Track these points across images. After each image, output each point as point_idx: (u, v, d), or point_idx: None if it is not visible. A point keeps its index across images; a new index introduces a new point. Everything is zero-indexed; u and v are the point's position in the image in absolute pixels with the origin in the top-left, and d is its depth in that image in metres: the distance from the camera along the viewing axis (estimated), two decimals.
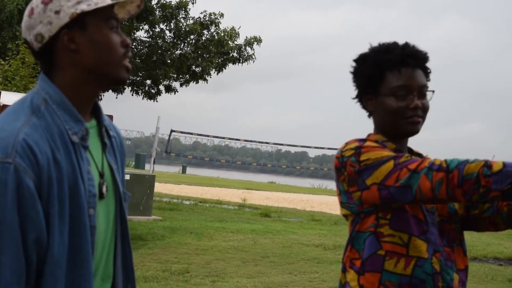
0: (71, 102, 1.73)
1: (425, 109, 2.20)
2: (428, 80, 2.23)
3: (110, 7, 1.75)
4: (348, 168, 2.13)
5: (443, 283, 2.10)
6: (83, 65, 1.73)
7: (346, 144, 2.19)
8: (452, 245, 2.20)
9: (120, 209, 1.86)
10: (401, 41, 2.27)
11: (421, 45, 2.26)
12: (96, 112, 1.85)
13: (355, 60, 2.28)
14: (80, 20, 1.70)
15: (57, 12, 1.69)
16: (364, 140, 2.17)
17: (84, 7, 1.69)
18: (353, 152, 2.13)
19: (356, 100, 2.32)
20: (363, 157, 2.10)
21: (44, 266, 1.61)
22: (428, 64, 2.25)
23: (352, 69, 2.29)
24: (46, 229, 1.60)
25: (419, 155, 2.29)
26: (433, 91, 2.24)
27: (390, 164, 2.04)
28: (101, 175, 1.78)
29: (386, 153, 2.08)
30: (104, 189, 1.77)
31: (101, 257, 1.80)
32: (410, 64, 2.19)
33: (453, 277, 2.13)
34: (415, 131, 2.20)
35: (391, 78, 2.19)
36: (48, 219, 1.61)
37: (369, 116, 2.30)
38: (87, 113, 1.79)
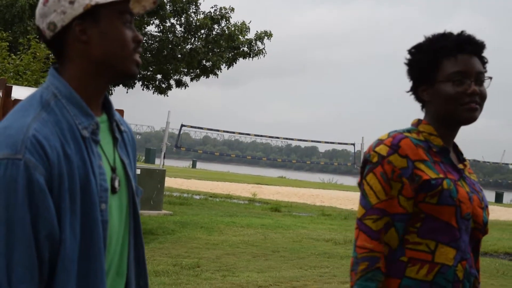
0: (80, 96, 1.72)
1: (482, 96, 2.16)
2: (485, 70, 2.20)
3: (126, 1, 1.74)
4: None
5: None
6: (92, 57, 1.72)
7: (380, 141, 2.17)
8: (476, 253, 2.21)
9: (133, 204, 1.85)
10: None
11: None
12: (106, 107, 1.84)
13: (409, 51, 2.24)
14: (93, 12, 1.70)
15: (71, 2, 1.69)
16: (397, 147, 2.12)
17: None
18: (376, 160, 2.14)
19: (410, 93, 2.28)
20: (368, 178, 2.14)
21: (57, 261, 1.61)
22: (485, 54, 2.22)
23: (406, 60, 2.25)
24: (58, 224, 1.60)
25: (461, 153, 2.28)
26: (491, 78, 2.20)
27: (363, 211, 2.14)
28: (113, 170, 1.77)
29: (378, 195, 2.11)
30: (116, 183, 1.76)
31: (115, 252, 1.79)
32: (467, 50, 2.16)
33: (472, 284, 2.13)
34: (472, 119, 2.16)
35: (447, 65, 2.16)
36: (60, 214, 1.60)
37: (423, 107, 2.26)
38: (97, 107, 1.78)
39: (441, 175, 2.11)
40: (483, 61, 2.21)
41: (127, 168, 1.84)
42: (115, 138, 1.83)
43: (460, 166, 2.20)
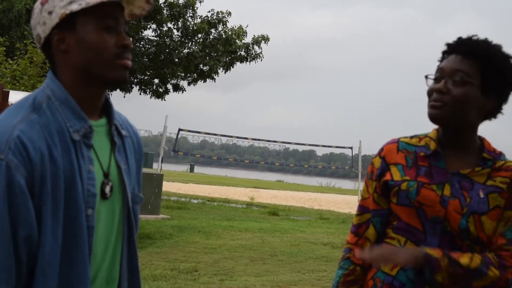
0: (76, 100, 1.71)
1: (452, 95, 2.07)
2: (468, 70, 2.06)
3: (110, 6, 1.70)
4: None
5: None
6: (75, 66, 1.71)
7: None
8: None
9: (128, 211, 1.82)
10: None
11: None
12: (107, 111, 1.82)
13: None
14: (70, 21, 1.68)
15: (50, 13, 1.68)
16: (381, 150, 2.25)
17: (74, 7, 1.65)
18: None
19: None
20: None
21: (36, 265, 1.59)
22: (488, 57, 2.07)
23: None
24: (38, 227, 1.58)
25: (484, 158, 2.14)
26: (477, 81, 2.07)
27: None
28: (106, 175, 1.74)
29: (362, 194, 2.32)
30: (107, 189, 1.74)
31: (104, 259, 1.76)
32: (454, 51, 2.12)
33: None
34: (432, 116, 2.11)
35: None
36: (40, 216, 1.58)
37: None
38: (95, 111, 1.77)
39: (407, 177, 2.14)
40: (484, 64, 2.08)
41: (123, 174, 1.80)
42: (114, 143, 1.80)
43: (464, 171, 2.13)
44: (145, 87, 21.09)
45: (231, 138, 26.12)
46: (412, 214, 2.11)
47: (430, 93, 2.12)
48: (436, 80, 2.12)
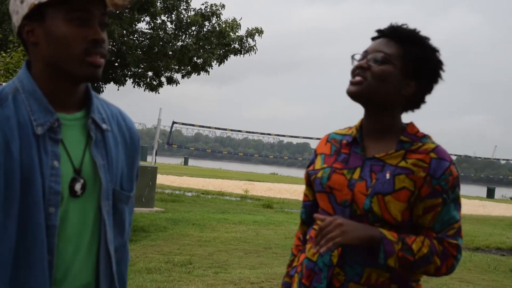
0: (46, 92, 1.63)
1: (370, 70, 2.10)
2: (387, 51, 2.12)
3: None
4: None
5: (345, 277, 2.09)
6: (43, 60, 1.63)
7: None
8: None
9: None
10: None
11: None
12: (88, 104, 1.73)
13: None
14: (40, 12, 1.61)
15: (22, 2, 1.62)
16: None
17: None
18: None
19: None
20: None
21: None
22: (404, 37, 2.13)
23: None
24: None
25: (404, 141, 2.14)
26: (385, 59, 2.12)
27: None
28: (77, 172, 1.64)
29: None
30: (77, 186, 1.63)
31: (73, 261, 1.65)
32: (378, 36, 2.19)
33: (361, 274, 2.08)
34: (350, 92, 2.13)
35: None
36: None
37: None
38: (70, 104, 1.68)
39: (324, 165, 2.21)
40: (407, 50, 2.12)
41: (99, 170, 1.69)
42: (90, 137, 1.69)
43: (379, 154, 2.13)
44: (139, 80, 21.02)
45: (225, 131, 26.11)
46: (325, 199, 2.17)
47: (353, 71, 2.15)
48: (361, 60, 2.16)
